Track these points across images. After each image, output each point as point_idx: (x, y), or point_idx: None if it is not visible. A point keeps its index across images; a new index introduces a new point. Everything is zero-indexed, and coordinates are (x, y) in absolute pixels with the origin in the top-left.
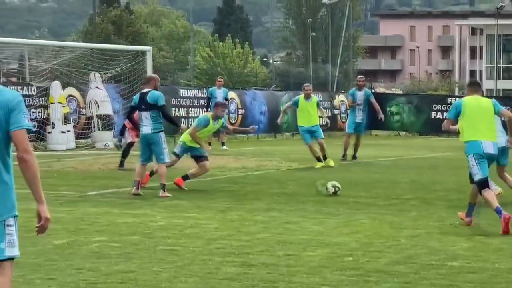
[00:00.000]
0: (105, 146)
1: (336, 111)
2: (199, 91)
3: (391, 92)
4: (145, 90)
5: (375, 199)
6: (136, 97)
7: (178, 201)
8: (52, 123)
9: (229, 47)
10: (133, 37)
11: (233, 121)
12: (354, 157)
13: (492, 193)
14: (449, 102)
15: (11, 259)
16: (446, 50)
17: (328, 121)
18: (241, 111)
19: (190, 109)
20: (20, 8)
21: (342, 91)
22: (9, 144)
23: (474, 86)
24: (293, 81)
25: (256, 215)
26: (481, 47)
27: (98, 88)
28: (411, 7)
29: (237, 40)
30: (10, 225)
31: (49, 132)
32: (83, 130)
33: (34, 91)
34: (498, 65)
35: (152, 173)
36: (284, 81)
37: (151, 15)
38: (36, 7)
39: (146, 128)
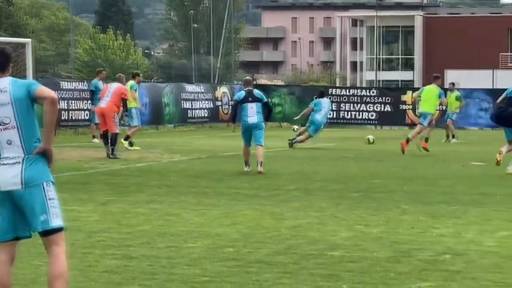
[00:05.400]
0: None
1: (218, 103)
2: (80, 83)
3: (273, 83)
4: (248, 88)
5: (257, 190)
6: (241, 94)
7: (59, 194)
8: None
9: (111, 39)
10: (13, 29)
11: None
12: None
13: None
14: (330, 93)
15: (59, 230)
16: (328, 42)
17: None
18: None
19: (71, 101)
20: None
21: (224, 83)
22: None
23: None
24: (175, 73)
25: (137, 208)
26: (361, 39)
27: None
28: None
29: (118, 32)
30: (51, 199)
31: None
32: None
33: None
34: (379, 57)
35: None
36: (166, 72)
37: (31, 6)
38: None
39: (252, 118)
